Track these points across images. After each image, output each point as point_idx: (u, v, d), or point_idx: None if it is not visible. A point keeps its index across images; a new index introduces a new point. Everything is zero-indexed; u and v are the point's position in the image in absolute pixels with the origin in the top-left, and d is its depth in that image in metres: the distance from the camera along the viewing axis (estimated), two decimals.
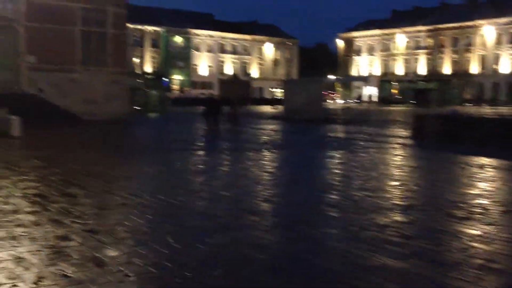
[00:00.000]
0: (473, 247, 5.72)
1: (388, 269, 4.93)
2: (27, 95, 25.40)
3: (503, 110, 47.28)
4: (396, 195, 8.75)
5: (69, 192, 8.28)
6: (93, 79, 27.59)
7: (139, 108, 45.49)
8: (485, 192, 9.28)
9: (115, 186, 9.17)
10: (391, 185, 9.85)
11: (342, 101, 73.03)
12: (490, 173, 11.78)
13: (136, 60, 74.52)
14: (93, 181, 9.51)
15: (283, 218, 7.09)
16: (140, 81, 67.09)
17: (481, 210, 7.59)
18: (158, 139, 20.47)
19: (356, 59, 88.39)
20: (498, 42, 71.05)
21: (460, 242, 5.90)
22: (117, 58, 28.89)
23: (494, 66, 71.45)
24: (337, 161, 13.78)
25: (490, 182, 10.48)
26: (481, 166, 12.64)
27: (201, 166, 12.46)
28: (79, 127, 23.12)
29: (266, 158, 13.87)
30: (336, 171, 12.05)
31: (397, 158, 14.40)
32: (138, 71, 73.50)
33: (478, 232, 6.32)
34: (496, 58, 71.41)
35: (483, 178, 10.97)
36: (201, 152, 15.50)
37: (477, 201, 8.47)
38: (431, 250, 5.62)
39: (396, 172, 11.75)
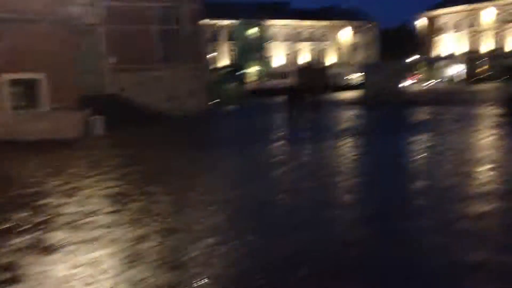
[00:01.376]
0: None
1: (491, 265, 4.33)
2: (110, 96, 26.31)
3: None
4: (491, 180, 7.93)
5: (149, 190, 8.27)
6: (173, 75, 28.08)
7: (217, 101, 46.16)
8: None
9: (195, 182, 9.07)
10: (485, 169, 8.99)
11: (428, 82, 69.81)
12: None
13: (213, 54, 75.68)
14: (174, 178, 9.50)
15: (369, 210, 6.59)
16: (218, 74, 68.10)
17: None
18: (238, 131, 20.41)
19: (441, 37, 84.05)
20: None
21: None
22: (195, 53, 29.23)
23: None
24: (423, 145, 12.90)
25: None
26: None
27: (282, 157, 12.10)
28: (162, 124, 23.59)
29: (348, 145, 13.28)
30: (422, 156, 11.24)
31: (490, 139, 13.25)
32: (215, 65, 74.62)
33: None
34: None
35: None
36: (282, 142, 15.10)
37: None
38: None
39: (490, 153, 10.76)
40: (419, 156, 11.31)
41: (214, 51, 75.19)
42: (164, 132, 20.61)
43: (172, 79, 27.98)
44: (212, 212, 6.66)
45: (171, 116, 25.73)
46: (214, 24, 74.75)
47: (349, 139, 14.53)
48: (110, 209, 7.06)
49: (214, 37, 75.02)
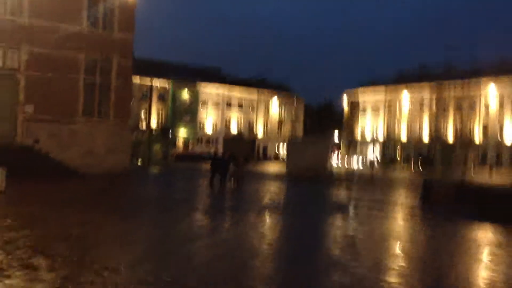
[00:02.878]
0: None
1: None
2: (23, 147, 24.55)
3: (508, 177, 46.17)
4: (413, 278, 7.61)
5: (32, 263, 7.16)
6: (94, 130, 26.76)
7: (142, 162, 44.81)
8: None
9: (91, 255, 8.04)
10: (406, 264, 8.71)
11: (348, 162, 72.09)
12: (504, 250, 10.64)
13: (142, 113, 74.62)
14: (68, 247, 8.41)
15: None
16: (145, 134, 66.86)
17: None
18: (155, 197, 19.42)
19: (361, 118, 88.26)
20: (502, 110, 70.58)
21: None
22: (120, 109, 28.10)
23: (497, 135, 70.80)
24: (341, 231, 12.63)
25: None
26: (498, 244, 11.50)
27: (197, 231, 11.34)
28: (74, 181, 22.09)
29: (266, 224, 12.76)
30: (341, 244, 10.90)
31: (407, 228, 13.26)
32: (143, 124, 73.38)
33: None
34: (500, 127, 70.80)
35: (501, 260, 9.84)
36: (199, 214, 14.33)
37: None
38: None
39: (407, 246, 10.61)
40: (337, 243, 10.97)
41: (144, 110, 74.16)
42: (75, 191, 19.16)
43: (93, 134, 26.66)
44: None
45: (87, 173, 24.28)
46: (146, 83, 74.22)
47: (267, 216, 14.05)
48: None
49: (145, 96, 74.21)
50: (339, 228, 13.03)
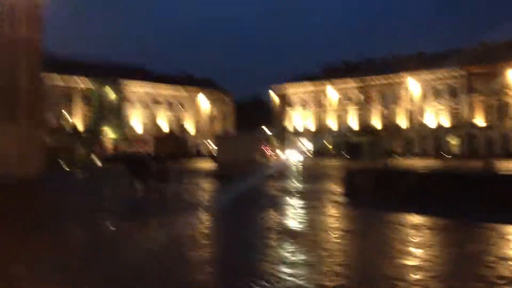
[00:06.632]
0: None
1: None
2: None
3: (432, 162, 48.22)
4: (324, 271, 7.35)
5: None
6: (2, 135, 25.04)
7: (65, 166, 42.72)
8: (424, 263, 8.09)
9: None
10: (319, 257, 8.47)
11: (280, 156, 72.62)
12: (426, 236, 10.71)
13: (65, 115, 71.42)
14: None
15: None
16: (68, 137, 64.03)
17: None
18: (68, 202, 18.28)
19: (290, 112, 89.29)
20: (424, 96, 73.86)
21: None
22: (32, 111, 26.46)
23: (420, 119, 73.92)
24: (260, 225, 12.31)
25: (427, 249, 9.36)
26: (416, 227, 11.60)
27: (101, 240, 10.59)
28: None
29: (184, 223, 12.22)
30: (254, 240, 10.56)
31: (328, 219, 13.16)
32: (67, 126, 70.30)
33: None
34: (422, 112, 74.02)
35: (419, 243, 9.86)
36: (110, 219, 13.53)
37: (416, 276, 7.24)
38: None
39: (326, 238, 10.43)
40: (251, 240, 10.62)
41: (65, 111, 70.93)
42: None
43: (1, 139, 24.94)
44: None
45: None
46: (67, 85, 71.02)
47: (189, 216, 13.52)
48: None
49: (66, 96, 70.99)
50: (256, 220, 12.71)
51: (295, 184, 25.25)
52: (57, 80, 68.73)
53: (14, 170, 24.36)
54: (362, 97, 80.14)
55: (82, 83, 73.04)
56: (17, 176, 23.81)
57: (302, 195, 19.80)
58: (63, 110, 71.06)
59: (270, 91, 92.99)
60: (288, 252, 8.90)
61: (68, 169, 40.31)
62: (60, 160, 43.18)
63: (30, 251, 9.19)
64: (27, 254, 8.87)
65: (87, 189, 24.14)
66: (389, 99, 77.53)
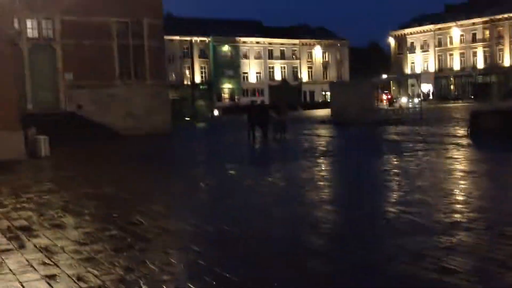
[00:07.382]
0: None
1: None
2: (66, 113, 25.34)
3: None
4: (441, 209, 7.35)
5: (60, 223, 7.40)
6: (132, 93, 27.20)
7: (187, 119, 45.41)
8: None
9: (117, 211, 8.20)
10: (437, 196, 8.42)
11: (397, 101, 70.16)
12: None
13: (185, 71, 75.00)
14: (97, 206, 8.64)
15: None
16: (189, 91, 67.36)
17: None
18: (195, 152, 19.64)
19: (410, 56, 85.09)
20: None
21: None
22: (156, 70, 28.37)
23: None
24: (381, 168, 12.34)
25: None
26: None
27: (229, 186, 11.34)
28: (117, 143, 22.66)
29: (302, 169, 12.65)
30: (377, 181, 10.67)
31: (448, 161, 12.79)
32: (187, 82, 73.87)
33: None
34: None
35: None
36: (233, 166, 14.36)
37: None
38: None
39: (445, 179, 10.24)
40: (373, 181, 10.75)
41: (186, 68, 74.45)
42: (115, 153, 19.67)
43: (131, 96, 27.12)
44: (123, 258, 5.84)
45: (129, 135, 24.83)
46: (186, 41, 74.11)
47: (305, 161, 13.93)
48: (4, 247, 6.17)
49: (186, 54, 74.27)
50: (376, 164, 12.74)
51: (415, 128, 24.52)
52: (177, 38, 72.05)
53: (145, 125, 26.51)
54: (489, 34, 73.79)
55: (200, 42, 75.87)
56: (148, 130, 25.89)
57: (422, 138, 19.31)
58: (184, 66, 74.62)
59: (388, 36, 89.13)
60: (404, 192, 8.94)
61: (190, 121, 42.84)
62: (182, 113, 45.91)
63: (169, 193, 10.24)
64: (167, 196, 9.93)
65: (211, 139, 25.61)
66: None
